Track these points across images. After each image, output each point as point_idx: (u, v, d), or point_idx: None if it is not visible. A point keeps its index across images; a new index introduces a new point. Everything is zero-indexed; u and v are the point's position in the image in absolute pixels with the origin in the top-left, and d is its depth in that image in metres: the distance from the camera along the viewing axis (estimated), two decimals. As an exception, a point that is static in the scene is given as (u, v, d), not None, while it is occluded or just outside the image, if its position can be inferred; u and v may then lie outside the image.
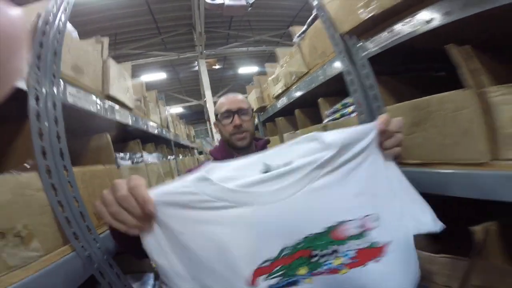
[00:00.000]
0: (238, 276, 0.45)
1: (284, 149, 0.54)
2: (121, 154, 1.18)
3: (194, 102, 11.06)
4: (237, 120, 0.98)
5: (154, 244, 0.46)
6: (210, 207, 0.46)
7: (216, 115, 1.06)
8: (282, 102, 1.86)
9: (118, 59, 1.50)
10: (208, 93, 7.99)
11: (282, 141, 1.96)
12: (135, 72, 7.10)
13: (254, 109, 2.51)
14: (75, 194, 0.70)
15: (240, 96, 1.07)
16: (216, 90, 10.32)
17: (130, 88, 1.26)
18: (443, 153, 0.76)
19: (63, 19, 0.75)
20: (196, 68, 8.90)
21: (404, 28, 0.82)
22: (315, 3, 1.17)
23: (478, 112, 0.66)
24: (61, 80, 0.70)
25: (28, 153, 0.60)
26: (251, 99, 2.56)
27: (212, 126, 7.28)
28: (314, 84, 1.34)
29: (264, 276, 0.46)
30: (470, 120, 0.68)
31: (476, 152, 0.68)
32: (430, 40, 0.80)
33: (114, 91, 1.02)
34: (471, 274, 0.84)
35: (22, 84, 0.55)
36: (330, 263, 0.48)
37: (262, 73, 2.56)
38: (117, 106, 1.09)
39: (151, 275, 1.27)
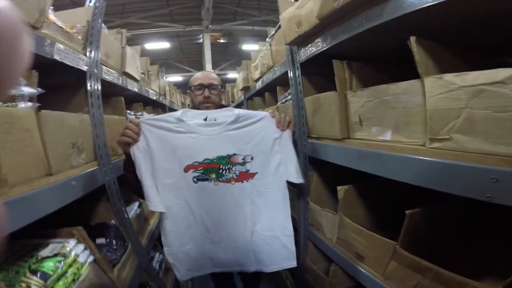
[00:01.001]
0: (180, 167, 1.00)
1: (217, 112, 1.07)
2: (128, 111, 1.68)
3: (195, 73, 11.21)
4: (206, 92, 1.21)
5: (138, 149, 0.98)
6: (175, 130, 1.00)
7: (190, 86, 1.27)
8: (259, 85, 2.32)
9: (125, 27, 1.87)
10: (208, 66, 8.27)
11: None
12: (140, 41, 7.35)
13: (240, 88, 2.97)
14: (103, 131, 1.19)
15: (213, 74, 1.30)
16: (218, 64, 10.48)
17: (138, 65, 1.74)
18: (325, 131, 1.25)
19: (100, 22, 1.20)
20: (201, 40, 9.07)
21: (314, 46, 1.25)
22: (279, 16, 1.58)
23: (339, 106, 1.13)
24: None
25: (82, 105, 1.09)
26: (240, 79, 3.00)
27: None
28: (275, 75, 1.80)
29: (192, 169, 1.01)
30: (335, 111, 1.14)
31: (337, 132, 1.14)
32: (334, 53, 1.18)
33: (128, 69, 1.51)
34: (340, 228, 1.17)
35: (84, 68, 1.04)
36: (227, 175, 1.04)
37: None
38: (128, 79, 1.57)
39: (136, 203, 1.64)
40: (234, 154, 1.04)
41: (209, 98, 1.21)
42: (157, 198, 0.99)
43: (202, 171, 1.02)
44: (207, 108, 1.21)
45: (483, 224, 1.03)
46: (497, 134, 0.62)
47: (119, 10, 6.63)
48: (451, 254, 0.92)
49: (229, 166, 1.03)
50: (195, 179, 1.02)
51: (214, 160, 1.02)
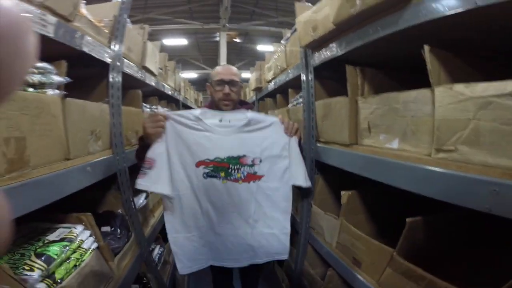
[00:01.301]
0: (193, 161, 1.05)
1: (231, 114, 1.12)
2: (144, 104, 1.75)
3: (210, 70, 11.35)
4: (227, 89, 1.18)
5: (160, 142, 1.03)
6: (193, 127, 1.06)
7: (210, 80, 1.25)
8: (271, 86, 2.35)
9: (146, 22, 1.94)
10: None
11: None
12: (159, 36, 7.49)
13: (253, 88, 3.01)
14: (120, 120, 1.24)
15: (234, 69, 1.26)
16: (232, 63, 10.51)
17: (157, 61, 1.81)
18: (334, 136, 1.26)
19: (125, 17, 1.26)
20: (217, 38, 9.17)
21: (328, 51, 1.27)
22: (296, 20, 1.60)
23: (350, 111, 1.14)
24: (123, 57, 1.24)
25: (103, 95, 1.15)
26: (252, 79, 3.03)
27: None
28: (287, 78, 1.83)
29: (203, 166, 1.06)
30: (345, 116, 1.16)
31: (345, 137, 1.16)
32: (348, 58, 1.19)
33: (148, 63, 1.58)
34: (340, 233, 1.18)
35: (107, 60, 1.10)
36: (235, 175, 1.08)
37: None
38: (147, 73, 1.63)
39: (144, 194, 1.68)
40: (244, 156, 1.10)
41: (228, 95, 1.20)
42: (169, 182, 1.05)
43: (212, 168, 1.08)
44: (226, 105, 1.22)
45: (488, 234, 1.02)
46: (502, 146, 0.63)
47: (141, 5, 6.81)
48: (454, 262, 0.92)
49: (238, 166, 1.09)
50: (205, 175, 1.08)
51: (225, 160, 1.08)
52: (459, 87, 0.72)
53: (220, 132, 1.08)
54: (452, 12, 0.70)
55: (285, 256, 1.18)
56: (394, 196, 1.03)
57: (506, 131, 0.62)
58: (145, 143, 1.07)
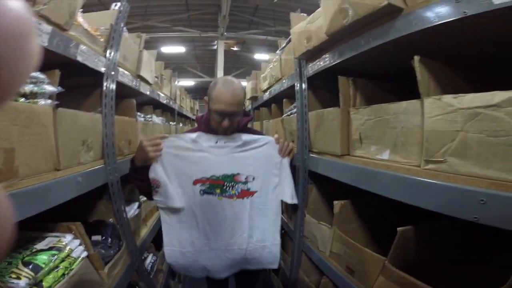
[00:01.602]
0: (190, 180, 1.10)
1: (227, 136, 1.15)
2: (139, 113, 1.75)
3: (207, 79, 11.45)
4: (226, 123, 1.07)
5: (158, 163, 1.08)
6: (190, 149, 1.11)
7: (210, 106, 1.11)
8: (266, 96, 2.36)
9: (145, 29, 1.97)
10: (220, 73, 8.42)
11: (261, 126, 2.49)
12: (157, 44, 7.54)
13: (248, 97, 3.02)
14: (112, 130, 1.23)
15: (238, 96, 1.09)
16: (229, 71, 10.62)
17: (153, 69, 1.82)
18: (326, 147, 1.27)
19: (122, 26, 1.27)
20: (215, 47, 9.26)
21: (322, 61, 1.28)
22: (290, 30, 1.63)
23: (342, 122, 1.15)
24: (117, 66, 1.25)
25: (96, 104, 1.15)
26: (248, 88, 3.05)
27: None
28: (282, 88, 1.84)
29: (200, 183, 1.11)
30: (337, 127, 1.16)
31: (337, 148, 1.16)
32: (342, 68, 1.20)
33: (143, 72, 1.59)
34: (333, 242, 1.18)
35: (102, 69, 1.10)
36: (230, 191, 1.13)
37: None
38: (142, 82, 1.64)
39: (136, 204, 1.65)
40: (238, 174, 1.15)
41: (227, 129, 1.11)
42: (177, 196, 1.12)
43: (208, 185, 1.13)
44: (224, 132, 1.14)
45: (481, 241, 1.03)
46: (488, 158, 0.64)
47: (141, 13, 6.89)
48: (447, 270, 0.93)
49: (232, 183, 1.14)
50: (201, 192, 1.13)
51: (220, 177, 1.13)
52: (448, 98, 0.73)
53: (215, 153, 1.14)
54: (442, 21, 0.71)
55: (275, 266, 1.23)
56: (387, 205, 1.03)
57: (492, 143, 0.63)
58: (137, 165, 1.10)
